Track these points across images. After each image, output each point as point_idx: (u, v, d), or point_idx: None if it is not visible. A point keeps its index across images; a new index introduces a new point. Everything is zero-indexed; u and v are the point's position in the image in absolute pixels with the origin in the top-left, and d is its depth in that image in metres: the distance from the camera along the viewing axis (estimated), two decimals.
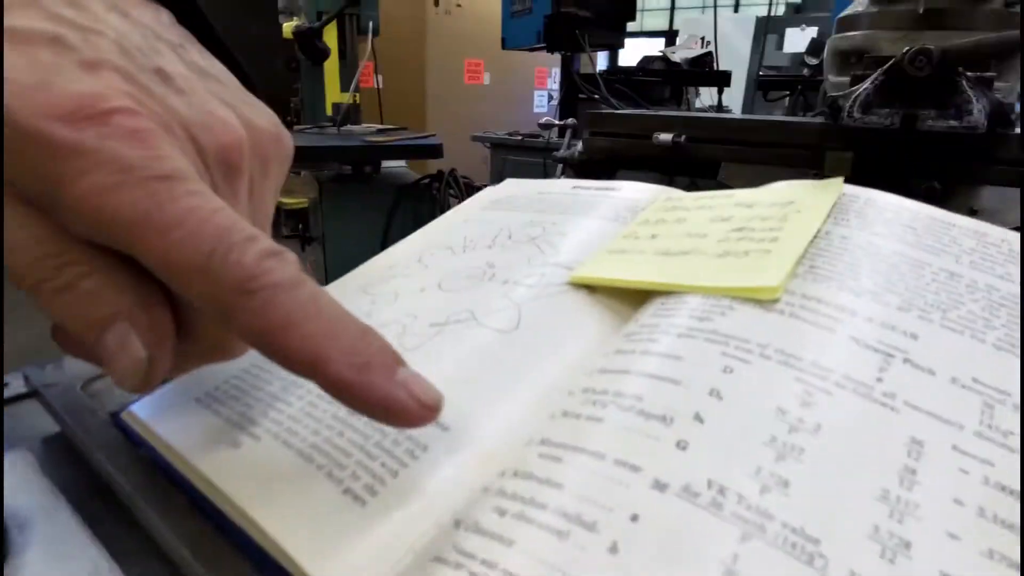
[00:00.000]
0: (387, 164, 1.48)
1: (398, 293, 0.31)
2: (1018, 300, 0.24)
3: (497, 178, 2.11)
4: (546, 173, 1.96)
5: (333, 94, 1.68)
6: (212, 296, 0.16)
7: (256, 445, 0.22)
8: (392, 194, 1.36)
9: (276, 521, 0.19)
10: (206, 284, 0.16)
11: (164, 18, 0.21)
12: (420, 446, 0.21)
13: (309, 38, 1.49)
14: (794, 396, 0.19)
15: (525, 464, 0.19)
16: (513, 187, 0.42)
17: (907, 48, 0.50)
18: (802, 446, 0.18)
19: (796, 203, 0.29)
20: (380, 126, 1.64)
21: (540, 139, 1.95)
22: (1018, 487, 0.17)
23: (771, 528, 0.16)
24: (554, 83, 3.65)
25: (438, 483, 0.20)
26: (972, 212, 0.55)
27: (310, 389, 0.25)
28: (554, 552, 0.16)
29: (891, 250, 0.26)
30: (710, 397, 0.20)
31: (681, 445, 0.18)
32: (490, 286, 0.30)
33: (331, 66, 1.64)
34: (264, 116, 0.21)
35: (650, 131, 0.69)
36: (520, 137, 2.05)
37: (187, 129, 0.18)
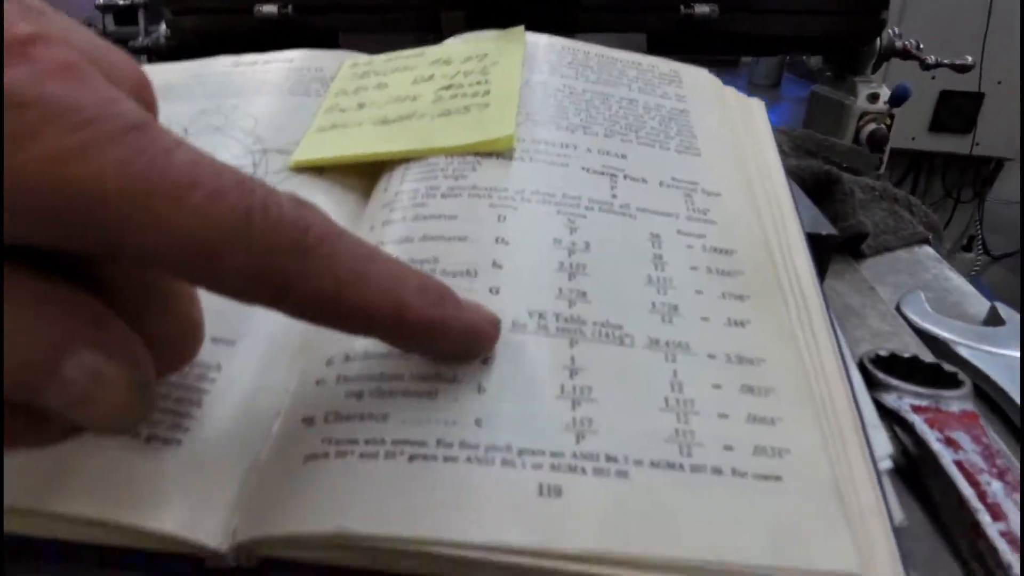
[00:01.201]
0: None
1: None
2: (680, 111, 0.33)
3: None
4: None
5: None
6: (258, 268, 0.14)
7: None
8: None
9: (77, 501, 0.18)
10: (250, 254, 0.13)
11: None
12: (212, 367, 0.21)
13: None
14: (562, 226, 0.25)
15: (354, 347, 0.21)
16: (156, 75, 0.38)
17: None
18: (583, 263, 0.23)
19: (490, 55, 0.34)
20: None
21: (92, 29, 1.65)
22: (723, 245, 0.26)
23: (588, 330, 0.21)
24: None
25: (254, 395, 0.21)
26: None
27: None
28: (431, 410, 0.19)
29: (582, 88, 0.32)
30: (498, 245, 0.24)
31: (494, 291, 0.22)
32: None
33: None
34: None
35: (249, 2, 0.65)
36: None
37: (94, 62, 0.14)
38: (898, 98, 1.31)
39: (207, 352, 0.22)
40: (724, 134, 0.32)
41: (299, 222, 0.14)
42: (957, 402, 0.23)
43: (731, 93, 0.35)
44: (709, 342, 0.22)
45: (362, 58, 0.38)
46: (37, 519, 0.18)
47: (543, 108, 0.31)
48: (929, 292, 0.36)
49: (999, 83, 1.77)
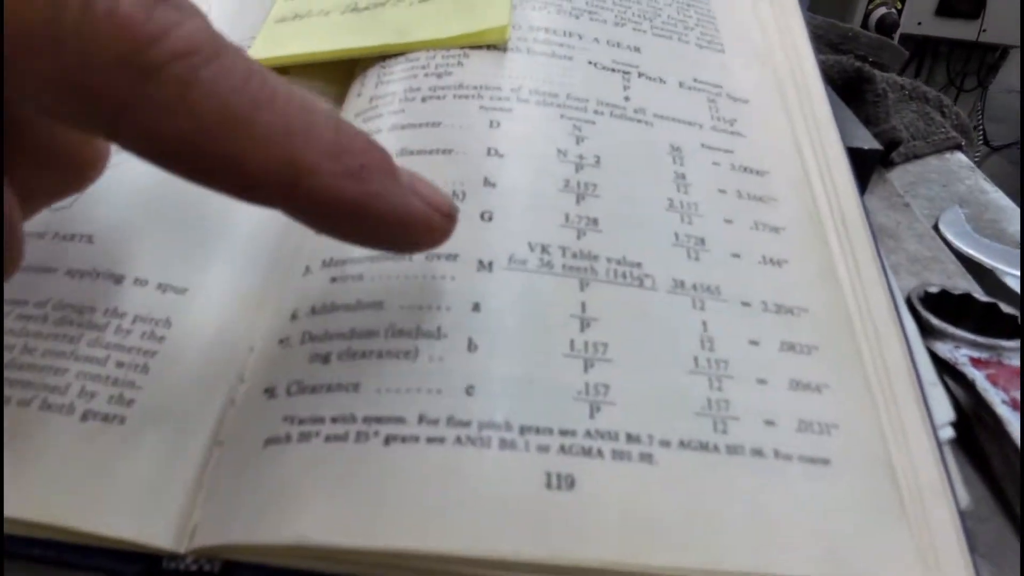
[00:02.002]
0: None
1: None
2: None
3: None
4: None
5: None
6: (71, 84, 0.10)
7: None
8: None
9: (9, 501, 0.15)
10: (58, 64, 0.10)
11: None
12: (159, 322, 0.18)
13: None
14: (567, 134, 0.20)
15: (322, 296, 0.17)
16: None
17: None
18: (593, 182, 0.19)
19: None
20: None
21: None
22: (754, 164, 0.21)
23: (600, 267, 0.18)
24: None
25: (211, 355, 0.17)
26: None
27: None
28: (410, 376, 0.15)
29: None
30: (490, 157, 0.19)
31: (486, 216, 0.18)
32: None
33: None
34: None
35: None
36: None
37: None
38: None
39: (153, 304, 0.18)
40: (750, 24, 0.27)
41: (145, 26, 0.10)
42: (1020, 353, 0.20)
43: None
44: (743, 285, 0.18)
45: None
46: None
47: None
48: (965, 207, 0.32)
49: None
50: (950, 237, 0.29)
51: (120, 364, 0.17)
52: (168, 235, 0.20)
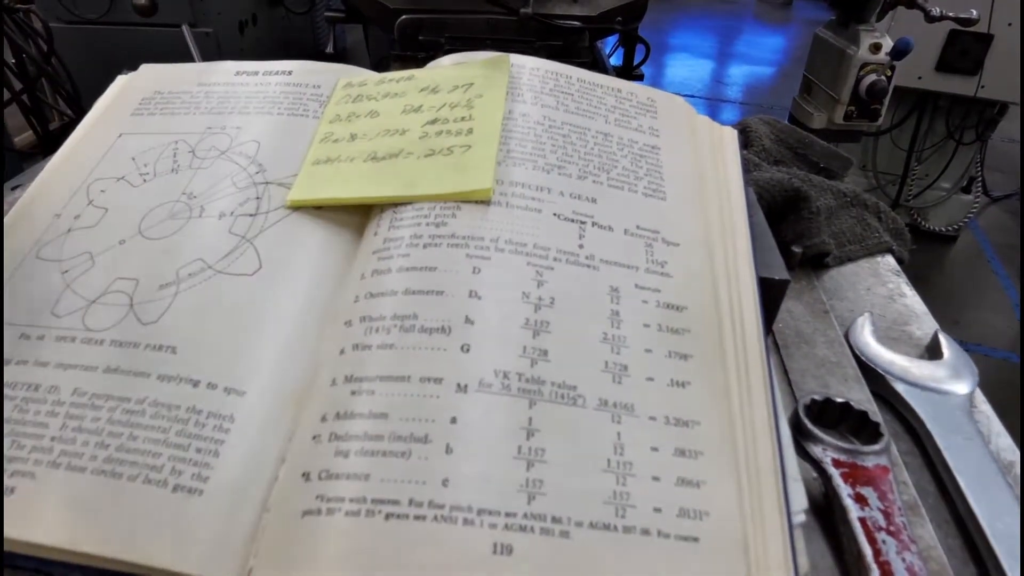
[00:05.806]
0: None
1: (91, 252, 0.30)
2: (652, 148, 0.34)
3: None
4: None
5: None
6: None
7: (33, 484, 0.23)
8: None
9: (112, 545, 0.21)
10: None
11: None
12: (226, 418, 0.25)
13: None
14: (530, 279, 0.27)
15: (344, 404, 0.24)
16: (159, 79, 0.40)
17: None
18: (547, 320, 0.26)
19: (476, 85, 0.35)
20: None
21: None
22: (676, 301, 0.28)
23: (546, 390, 0.24)
24: None
25: (263, 442, 0.24)
26: None
27: (61, 399, 0.25)
28: (404, 470, 0.22)
29: (562, 121, 0.34)
30: (471, 299, 0.26)
31: (465, 348, 0.25)
32: (204, 224, 0.31)
33: None
34: None
35: None
36: None
37: None
38: (899, 52, 1.30)
39: (221, 403, 0.25)
40: (691, 173, 0.34)
41: None
42: (873, 457, 0.26)
43: (704, 123, 0.37)
44: (652, 404, 0.25)
45: (356, 77, 0.39)
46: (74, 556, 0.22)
47: (522, 144, 0.33)
48: (880, 312, 0.39)
49: (1009, 25, 1.74)
50: (854, 344, 0.35)
51: (199, 450, 0.24)
52: (231, 343, 0.27)
